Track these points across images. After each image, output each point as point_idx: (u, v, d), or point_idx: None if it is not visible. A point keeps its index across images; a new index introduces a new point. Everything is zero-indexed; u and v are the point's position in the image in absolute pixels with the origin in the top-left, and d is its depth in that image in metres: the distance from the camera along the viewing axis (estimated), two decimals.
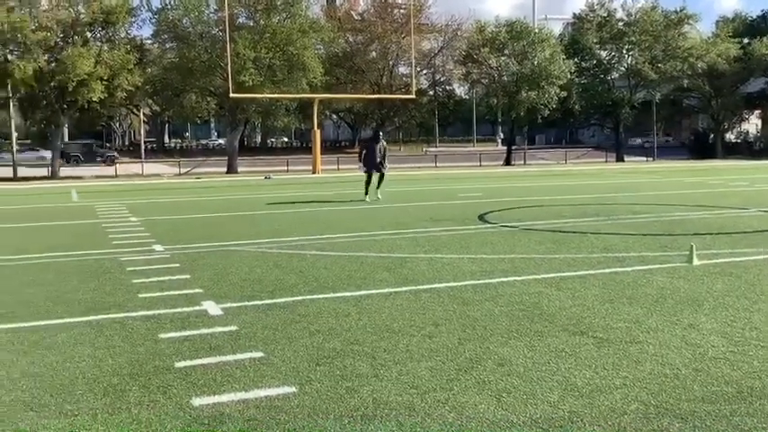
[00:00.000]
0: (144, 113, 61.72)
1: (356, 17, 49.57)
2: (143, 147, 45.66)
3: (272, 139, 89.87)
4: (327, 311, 6.56)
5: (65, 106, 37.23)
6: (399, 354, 5.28)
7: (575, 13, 52.32)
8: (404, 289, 7.48)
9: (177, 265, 9.14)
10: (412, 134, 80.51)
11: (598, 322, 6.05)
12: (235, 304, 6.90)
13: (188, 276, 8.34)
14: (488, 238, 11.29)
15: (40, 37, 33.91)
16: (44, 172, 39.03)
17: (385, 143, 19.62)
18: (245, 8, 40.37)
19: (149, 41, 41.93)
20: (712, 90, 51.87)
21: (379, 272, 8.49)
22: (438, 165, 45.62)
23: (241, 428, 4.02)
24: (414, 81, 42.32)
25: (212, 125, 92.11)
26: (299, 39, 38.38)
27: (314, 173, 36.61)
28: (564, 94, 45.05)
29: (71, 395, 4.56)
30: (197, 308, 6.77)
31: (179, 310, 6.70)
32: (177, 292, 7.43)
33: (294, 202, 18.90)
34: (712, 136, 56.65)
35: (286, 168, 42.28)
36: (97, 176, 38.24)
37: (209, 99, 44.84)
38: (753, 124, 67.77)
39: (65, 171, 40.10)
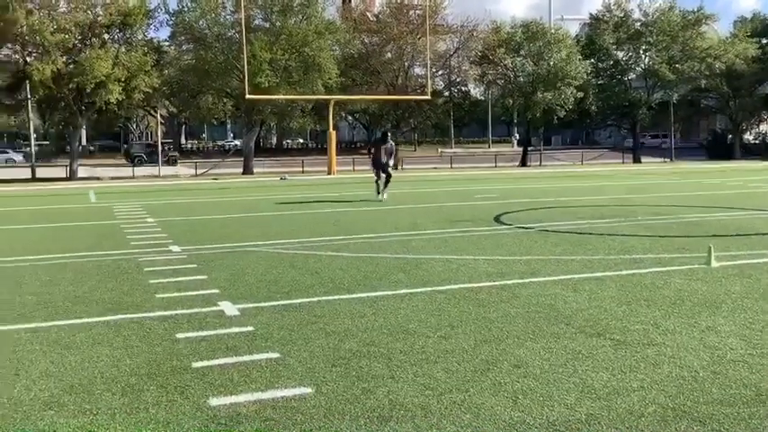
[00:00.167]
0: (161, 115, 62.09)
1: (372, 18, 49.57)
2: (160, 148, 45.92)
3: (288, 141, 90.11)
4: (343, 312, 6.57)
5: (83, 108, 37.53)
6: (415, 355, 5.28)
7: (591, 14, 52.04)
8: (420, 290, 7.48)
9: (194, 265, 9.19)
10: (427, 135, 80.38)
11: (615, 324, 6.02)
12: (251, 305, 6.93)
13: (205, 277, 8.38)
14: (504, 239, 11.26)
15: (58, 39, 34.19)
16: (62, 173, 39.34)
17: (393, 143, 19.84)
18: (261, 10, 40.51)
19: (166, 43, 42.20)
20: (730, 90, 51.43)
21: (395, 273, 8.49)
22: (453, 166, 45.55)
23: (258, 428, 4.04)
24: (429, 82, 42.30)
25: (228, 126, 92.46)
26: (314, 40, 38.47)
27: (329, 174, 36.67)
28: (580, 94, 44.83)
29: (90, 394, 4.60)
30: (214, 308, 6.80)
31: (196, 310, 6.73)
32: (194, 293, 7.47)
33: (309, 203, 18.94)
34: (730, 137, 56.18)
35: (301, 169, 42.38)
36: (113, 177, 38.50)
37: (225, 100, 45.02)
38: None
39: (122, 171, 40.44)
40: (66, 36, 34.82)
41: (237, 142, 73.57)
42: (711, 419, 4.03)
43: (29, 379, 4.92)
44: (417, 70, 47.28)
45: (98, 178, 38.52)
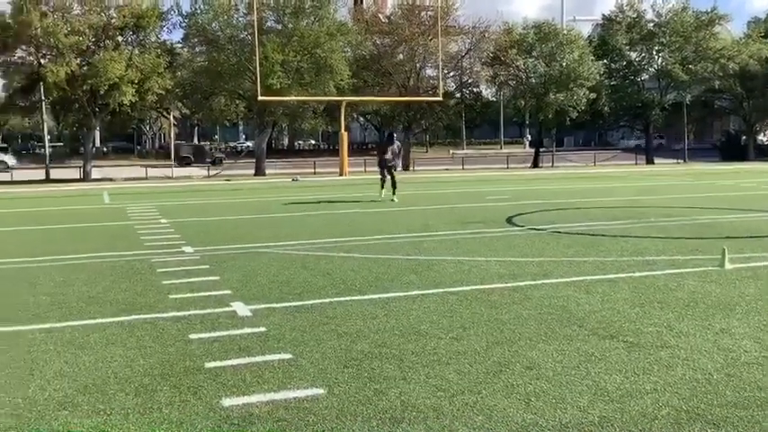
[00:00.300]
0: (174, 116, 62.40)
1: (383, 20, 49.55)
2: (173, 149, 46.20)
3: (300, 142, 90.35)
4: (355, 314, 6.58)
5: (96, 109, 37.76)
6: (427, 356, 5.28)
7: (604, 14, 51.85)
8: (431, 291, 7.47)
9: (207, 266, 9.23)
10: (439, 136, 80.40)
11: (628, 326, 5.99)
12: (263, 306, 6.95)
13: (217, 278, 8.41)
14: (516, 240, 11.24)
15: (72, 41, 34.41)
16: (76, 174, 39.58)
17: (399, 144, 20.31)
18: (273, 12, 40.60)
19: (179, 45, 42.39)
20: (744, 91, 51.09)
21: (407, 274, 8.49)
22: (465, 167, 45.50)
23: (270, 429, 4.05)
24: (441, 83, 42.25)
25: (241, 128, 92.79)
26: (326, 42, 38.53)
27: (341, 175, 36.71)
28: (593, 95, 44.65)
29: (103, 395, 4.63)
30: (226, 309, 6.83)
31: (209, 311, 6.76)
32: (207, 294, 7.50)
33: (321, 204, 18.97)
34: (744, 138, 55.80)
35: (313, 171, 42.45)
36: (127, 178, 38.71)
37: (237, 102, 45.15)
38: None
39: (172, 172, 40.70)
40: (80, 38, 35.04)
41: (249, 143, 73.85)
42: (725, 422, 4.01)
43: (43, 379, 4.96)
44: (429, 71, 47.20)
45: (111, 179, 38.74)
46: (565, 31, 47.47)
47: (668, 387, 4.56)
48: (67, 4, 36.08)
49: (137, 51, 37.54)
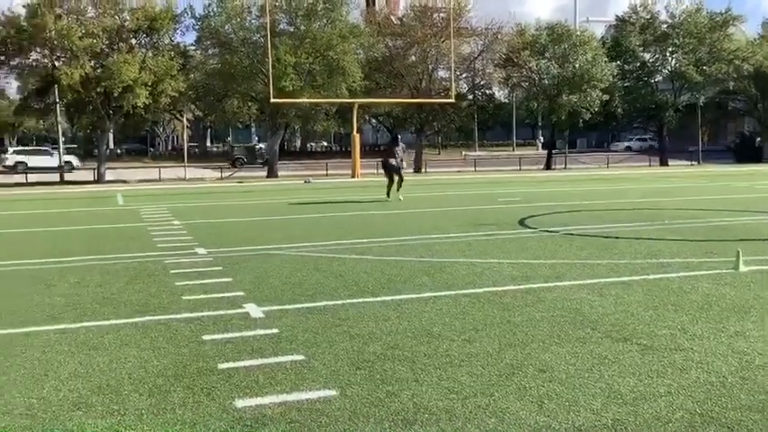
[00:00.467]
0: (187, 118, 62.66)
1: (395, 22, 49.54)
2: (186, 151, 46.38)
3: (312, 144, 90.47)
4: (368, 315, 6.58)
5: (110, 111, 37.97)
6: (439, 358, 5.27)
7: (617, 16, 51.58)
8: (444, 293, 7.47)
9: (219, 268, 9.27)
10: (451, 138, 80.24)
11: (642, 329, 5.97)
12: (276, 307, 6.97)
13: (230, 279, 8.44)
14: (529, 242, 11.21)
15: (86, 44, 34.64)
16: (90, 176, 39.83)
17: (403, 145, 20.95)
18: (286, 14, 40.68)
19: (192, 48, 42.54)
20: (758, 93, 50.71)
21: (419, 276, 8.49)
22: (477, 169, 45.42)
23: (283, 430, 4.06)
24: (453, 85, 42.18)
25: (253, 130, 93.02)
26: (338, 44, 38.57)
27: (353, 177, 36.73)
28: (606, 97, 44.44)
29: (117, 395, 4.65)
30: (239, 310, 6.85)
31: (222, 312, 6.79)
32: (220, 295, 7.53)
33: (334, 206, 19.00)
34: (759, 140, 55.38)
35: (326, 172, 42.51)
36: (140, 180, 38.91)
37: (250, 104, 45.27)
38: None
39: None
40: (94, 41, 35.26)
41: (262, 145, 74.13)
42: (740, 425, 3.99)
43: (57, 380, 4.99)
44: (441, 73, 47.13)
45: (125, 181, 38.95)
46: (578, 33, 47.26)
47: (682, 390, 4.53)
48: (82, 6, 36.33)
49: (150, 54, 37.73)
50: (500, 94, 55.83)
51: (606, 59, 44.89)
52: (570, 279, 8.12)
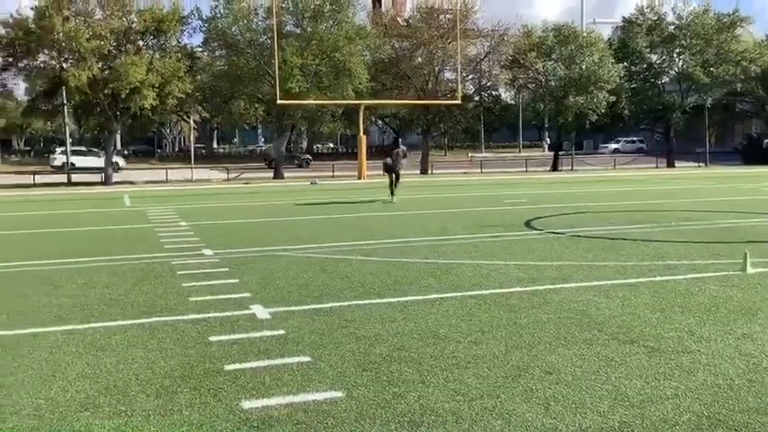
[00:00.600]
0: (194, 120, 62.75)
1: (402, 23, 49.54)
2: (193, 153, 46.47)
3: (318, 145, 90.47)
4: (374, 317, 6.59)
5: (118, 113, 38.05)
6: (446, 360, 5.27)
7: (624, 17, 51.47)
8: (450, 295, 7.47)
9: (226, 269, 9.28)
10: (457, 140, 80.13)
11: (649, 331, 5.95)
12: (282, 309, 6.98)
13: (237, 280, 8.46)
14: (535, 244, 11.19)
15: (94, 45, 34.73)
16: (97, 177, 39.92)
17: (404, 148, 22.24)
18: (292, 16, 40.72)
19: (199, 49, 42.59)
20: (766, 94, 50.54)
21: (425, 278, 8.49)
22: (484, 170, 45.38)
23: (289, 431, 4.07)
24: (459, 86, 42.16)
25: (260, 131, 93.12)
26: (345, 45, 38.58)
27: (359, 178, 36.74)
28: (613, 98, 44.33)
29: (125, 396, 4.67)
30: (246, 312, 6.86)
31: (228, 313, 6.80)
32: (226, 296, 7.55)
33: (340, 207, 19.01)
34: (766, 141, 55.16)
35: (332, 174, 42.53)
36: (147, 181, 38.99)
37: (256, 105, 45.32)
38: None
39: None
40: (102, 42, 35.35)
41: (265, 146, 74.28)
42: (747, 428, 3.97)
43: (65, 380, 5.01)
44: (448, 75, 47.06)
45: (132, 182, 39.04)
46: (585, 34, 47.15)
47: (689, 392, 4.52)
48: (89, 8, 36.44)
49: (157, 55, 37.80)
50: (506, 95, 55.79)
51: (613, 61, 44.78)
52: (577, 281, 8.10)
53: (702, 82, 47.05)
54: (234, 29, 39.95)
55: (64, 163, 49.21)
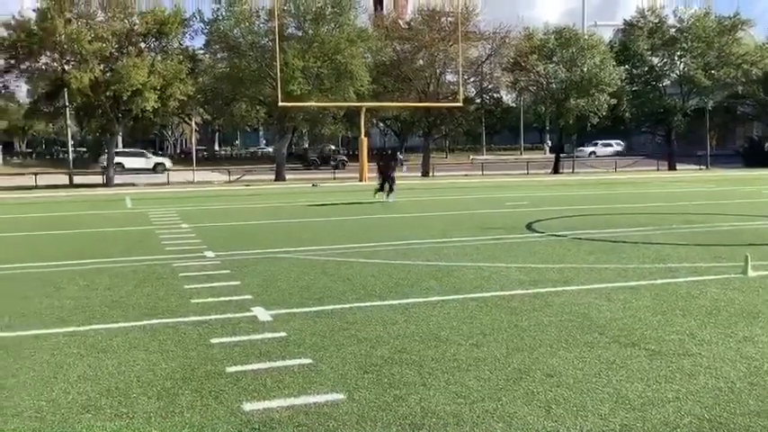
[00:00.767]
0: (195, 122, 62.75)
1: (403, 25, 49.54)
2: (194, 154, 46.66)
3: (320, 147, 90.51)
4: (375, 319, 6.59)
5: (119, 115, 38.10)
6: (447, 362, 5.28)
7: (625, 20, 51.49)
8: (451, 297, 7.47)
9: (227, 271, 9.29)
10: (459, 142, 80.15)
11: (650, 334, 5.95)
12: (284, 311, 6.98)
13: (238, 283, 8.46)
14: (537, 247, 11.20)
15: (95, 48, 34.78)
16: (99, 179, 39.96)
17: (401, 157, 24.21)
18: (294, 18, 40.77)
19: (201, 52, 42.65)
20: (767, 97, 50.54)
21: (427, 280, 8.49)
22: (485, 173, 45.38)
23: None
24: (461, 89, 42.18)
25: (261, 133, 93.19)
26: (346, 48, 38.62)
27: (361, 180, 36.75)
28: (614, 101, 44.35)
29: (126, 398, 4.67)
30: (247, 314, 6.87)
31: (230, 315, 6.81)
32: (228, 298, 7.55)
33: (341, 209, 19.02)
34: (767, 144, 55.14)
35: (333, 176, 42.56)
36: (148, 184, 39.02)
37: (258, 108, 45.38)
38: None
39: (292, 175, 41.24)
40: (104, 45, 35.40)
41: (270, 149, 74.36)
42: (748, 431, 3.97)
43: (67, 382, 5.02)
44: (449, 77, 47.07)
45: (134, 184, 39.08)
46: (586, 37, 47.17)
47: (690, 395, 4.52)
48: (91, 11, 36.50)
49: (159, 58, 37.85)
50: (508, 98, 55.79)
51: (614, 63, 44.80)
52: (578, 283, 8.10)
53: (703, 85, 47.06)
54: (236, 31, 40.00)
55: (115, 164, 50.56)
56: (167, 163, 53.06)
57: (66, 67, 36.32)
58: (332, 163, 54.12)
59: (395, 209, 18.92)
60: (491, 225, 14.38)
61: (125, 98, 35.73)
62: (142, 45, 38.14)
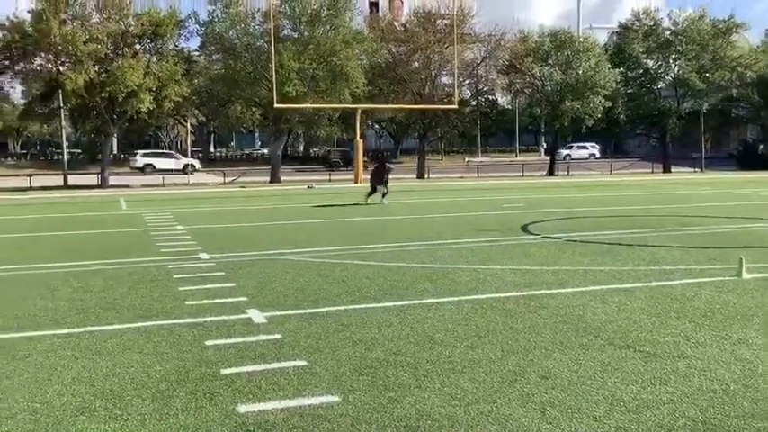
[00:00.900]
0: (191, 123, 62.73)
1: (399, 28, 49.61)
2: (190, 156, 46.85)
3: (315, 149, 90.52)
4: (370, 321, 6.59)
5: (114, 117, 38.06)
6: (442, 365, 5.28)
7: (620, 23, 51.65)
8: (446, 300, 7.47)
9: (222, 273, 9.28)
10: (454, 144, 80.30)
11: (645, 336, 5.96)
12: (278, 313, 6.97)
13: (233, 284, 8.45)
14: (532, 249, 11.21)
15: (90, 49, 34.73)
16: (93, 180, 39.87)
17: (391, 166, 23.87)
18: (290, 20, 40.77)
19: (196, 53, 42.65)
20: (762, 100, 50.71)
21: (422, 282, 8.49)
22: (480, 175, 45.44)
23: None
24: (456, 91, 42.24)
25: (256, 135, 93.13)
26: (342, 50, 38.65)
27: (356, 182, 36.76)
28: (609, 103, 44.46)
29: (120, 400, 4.66)
30: (242, 316, 6.86)
31: (224, 317, 6.80)
32: (222, 300, 7.54)
33: (336, 211, 19.01)
34: (762, 147, 55.34)
35: (328, 178, 42.56)
36: (144, 185, 38.96)
37: (253, 109, 45.36)
38: None
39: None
40: (99, 46, 35.35)
41: (265, 150, 74.36)
42: None
43: (61, 384, 5.00)
44: (444, 79, 47.17)
45: (128, 186, 39.01)
46: (581, 39, 47.30)
47: (685, 398, 4.53)
48: (86, 12, 36.44)
49: (154, 59, 37.83)
50: (503, 100, 55.91)
51: (609, 66, 44.91)
52: (573, 286, 8.11)
53: (698, 88, 47.23)
54: (231, 33, 40.00)
55: (145, 164, 51.53)
56: (196, 164, 54.37)
57: (60, 69, 36.27)
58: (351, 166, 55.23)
59: (390, 211, 18.93)
60: (486, 227, 14.40)
61: (120, 99, 35.69)
62: (137, 46, 38.12)
